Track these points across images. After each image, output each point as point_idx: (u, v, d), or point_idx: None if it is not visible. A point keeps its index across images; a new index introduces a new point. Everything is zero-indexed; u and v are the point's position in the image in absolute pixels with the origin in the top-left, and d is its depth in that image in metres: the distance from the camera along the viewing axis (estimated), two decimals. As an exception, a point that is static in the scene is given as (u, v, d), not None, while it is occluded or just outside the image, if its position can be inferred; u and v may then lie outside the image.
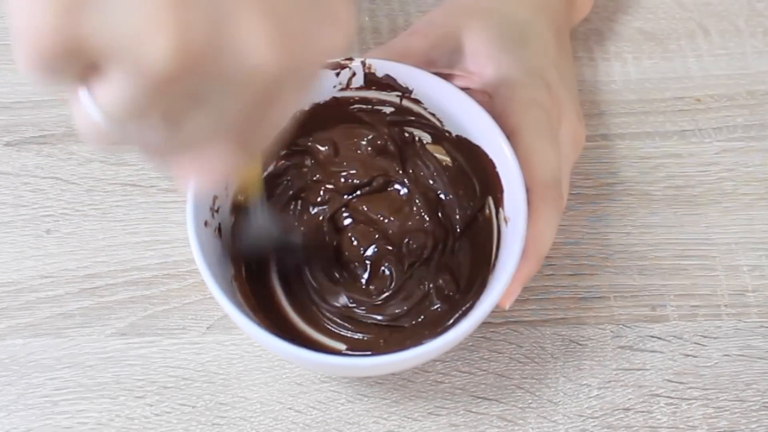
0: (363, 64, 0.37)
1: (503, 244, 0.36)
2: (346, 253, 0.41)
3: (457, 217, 0.41)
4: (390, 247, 0.41)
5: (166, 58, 0.20)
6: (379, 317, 0.40)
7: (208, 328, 0.41)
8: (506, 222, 0.36)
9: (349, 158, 0.40)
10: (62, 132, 0.46)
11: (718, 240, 0.44)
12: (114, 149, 0.23)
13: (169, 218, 0.44)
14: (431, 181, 0.41)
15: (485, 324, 0.35)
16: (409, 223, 0.41)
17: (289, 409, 0.40)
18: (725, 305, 0.42)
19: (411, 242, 0.40)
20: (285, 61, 0.22)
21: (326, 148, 0.40)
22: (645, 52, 0.49)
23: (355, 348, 0.39)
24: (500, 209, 0.37)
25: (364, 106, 0.39)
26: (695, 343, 0.42)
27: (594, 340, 0.41)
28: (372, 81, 0.37)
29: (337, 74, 0.37)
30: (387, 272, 0.40)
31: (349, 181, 0.41)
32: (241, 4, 0.21)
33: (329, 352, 0.37)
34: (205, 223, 0.35)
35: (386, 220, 0.41)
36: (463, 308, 0.37)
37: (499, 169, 0.36)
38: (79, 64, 0.21)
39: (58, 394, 0.40)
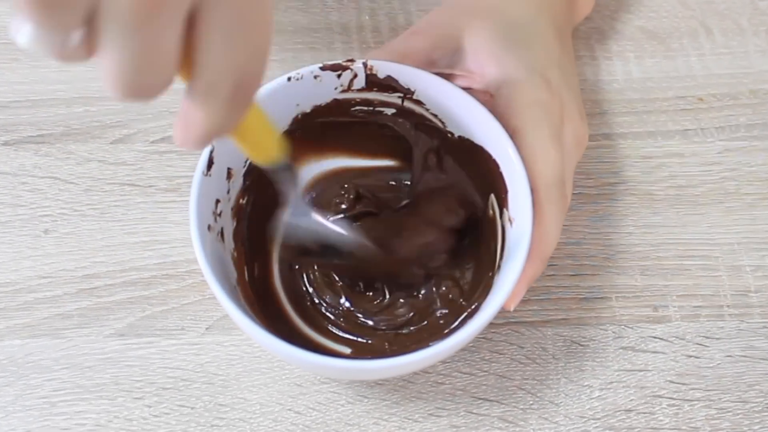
0: (364, 65, 0.37)
1: (508, 245, 0.36)
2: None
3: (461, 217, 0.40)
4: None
5: None
6: (384, 321, 0.39)
7: (207, 328, 0.41)
8: (511, 222, 0.36)
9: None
10: (60, 131, 0.45)
11: (720, 240, 0.44)
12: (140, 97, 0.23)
13: (168, 218, 0.43)
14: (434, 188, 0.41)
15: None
16: (415, 237, 0.40)
17: (289, 410, 0.39)
18: (728, 306, 0.42)
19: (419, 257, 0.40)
20: None
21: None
22: (647, 50, 0.49)
23: (360, 351, 0.39)
24: (504, 210, 0.36)
25: (366, 108, 0.39)
26: (697, 343, 0.41)
27: (596, 341, 0.41)
28: (373, 82, 0.37)
29: (339, 76, 0.37)
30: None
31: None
32: None
33: (336, 356, 0.37)
34: (208, 227, 0.35)
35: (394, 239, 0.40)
36: (469, 310, 0.37)
37: (503, 169, 0.36)
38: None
39: (57, 395, 0.39)
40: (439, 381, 0.40)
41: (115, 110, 0.46)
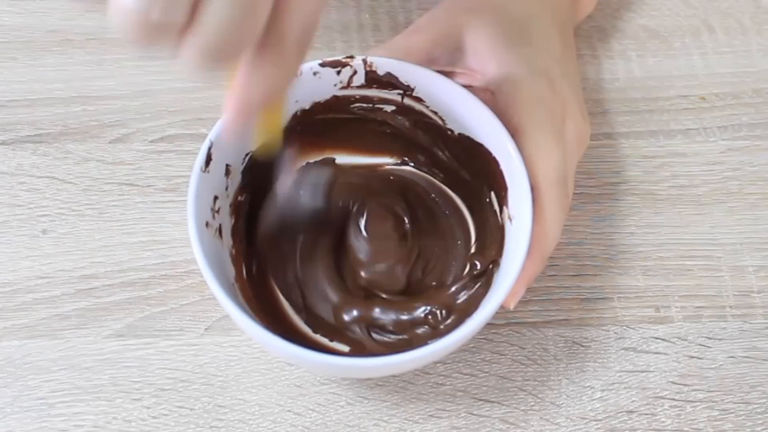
0: (364, 62, 0.36)
1: (507, 243, 0.36)
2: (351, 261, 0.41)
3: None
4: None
5: None
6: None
7: (206, 329, 0.41)
8: (510, 220, 0.36)
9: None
10: (58, 131, 0.45)
11: (723, 240, 0.43)
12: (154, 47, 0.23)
13: (167, 218, 0.43)
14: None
15: (487, 325, 0.35)
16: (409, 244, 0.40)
17: (288, 411, 0.39)
18: (730, 306, 0.42)
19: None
20: None
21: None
22: (649, 49, 0.49)
23: (358, 349, 0.38)
24: (504, 207, 0.36)
25: (365, 105, 0.39)
26: (700, 344, 0.41)
27: (597, 342, 0.41)
28: (373, 79, 0.37)
29: (338, 72, 0.37)
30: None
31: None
32: None
33: (333, 353, 0.37)
34: (206, 224, 0.34)
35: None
36: (468, 309, 0.37)
37: (503, 167, 0.36)
38: None
39: (54, 396, 0.39)
40: (440, 382, 0.40)
41: (113, 109, 0.46)
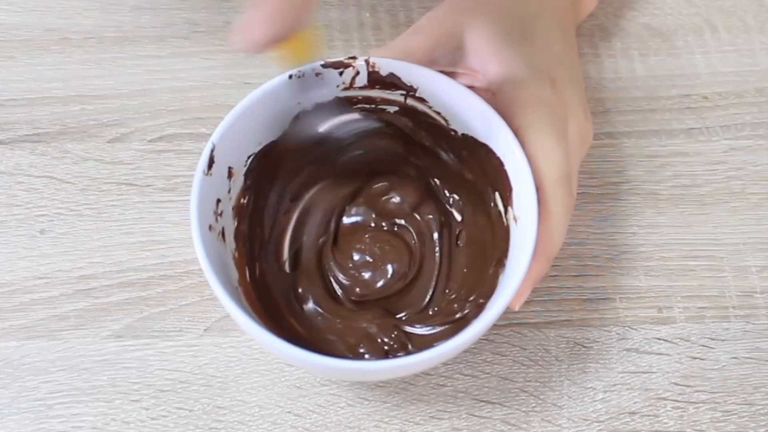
0: (367, 62, 0.36)
1: (513, 244, 0.35)
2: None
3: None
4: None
5: None
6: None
7: (205, 330, 0.40)
8: (516, 221, 0.35)
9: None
10: (56, 130, 0.45)
11: (725, 240, 0.43)
12: None
13: (166, 218, 0.43)
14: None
15: (489, 326, 0.35)
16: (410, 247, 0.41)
17: (288, 412, 0.39)
18: (733, 307, 0.42)
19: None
20: None
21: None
22: (651, 48, 0.48)
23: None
24: (509, 208, 0.36)
25: (368, 106, 0.38)
26: (702, 345, 0.41)
27: (599, 343, 0.41)
28: (376, 80, 0.37)
29: (341, 73, 0.36)
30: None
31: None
32: None
33: (338, 356, 0.37)
34: (210, 228, 0.34)
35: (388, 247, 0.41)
36: (473, 310, 0.37)
37: (507, 167, 0.35)
38: None
39: (53, 397, 0.39)
40: (441, 383, 0.40)
41: (111, 109, 0.46)
